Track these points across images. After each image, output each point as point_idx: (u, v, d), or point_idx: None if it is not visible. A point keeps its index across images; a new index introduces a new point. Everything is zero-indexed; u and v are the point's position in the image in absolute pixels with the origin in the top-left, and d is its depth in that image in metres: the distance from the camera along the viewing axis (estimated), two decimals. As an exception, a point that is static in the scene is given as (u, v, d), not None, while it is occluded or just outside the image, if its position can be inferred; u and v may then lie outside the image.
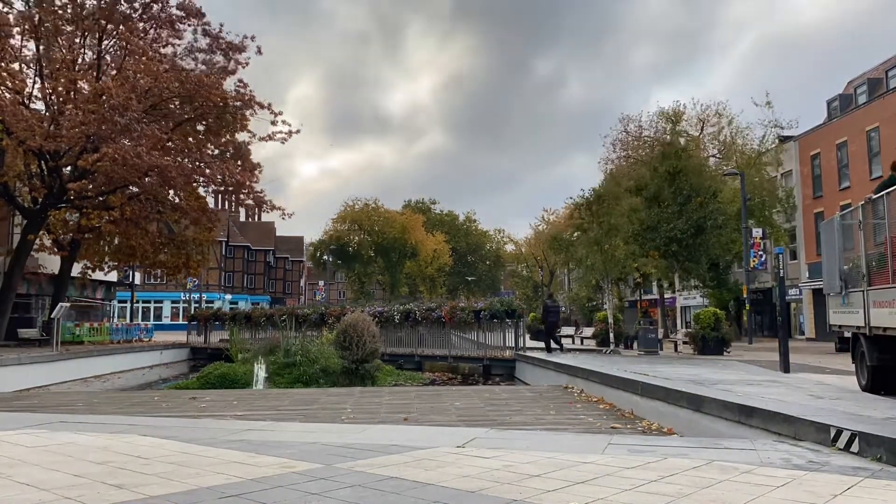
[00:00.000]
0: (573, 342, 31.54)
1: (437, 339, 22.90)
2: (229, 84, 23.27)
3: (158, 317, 64.78)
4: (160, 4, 22.86)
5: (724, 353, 21.11)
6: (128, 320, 41.47)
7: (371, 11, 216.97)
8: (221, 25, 23.12)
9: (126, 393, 15.48)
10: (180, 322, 52.41)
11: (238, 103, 23.20)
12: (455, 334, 22.69)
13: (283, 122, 23.76)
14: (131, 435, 6.30)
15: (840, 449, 5.16)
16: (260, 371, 16.72)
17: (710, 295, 37.12)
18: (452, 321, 21.50)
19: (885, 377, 8.94)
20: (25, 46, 22.64)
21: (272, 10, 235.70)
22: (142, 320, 50.75)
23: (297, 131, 24.41)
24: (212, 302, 58.44)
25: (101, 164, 20.06)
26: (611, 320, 24.37)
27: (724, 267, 35.75)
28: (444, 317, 21.69)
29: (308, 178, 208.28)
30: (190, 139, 24.48)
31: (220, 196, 42.18)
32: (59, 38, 22.30)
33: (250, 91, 23.44)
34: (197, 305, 52.33)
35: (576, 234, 30.93)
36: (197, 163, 23.80)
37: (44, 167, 22.40)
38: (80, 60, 22.81)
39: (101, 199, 23.13)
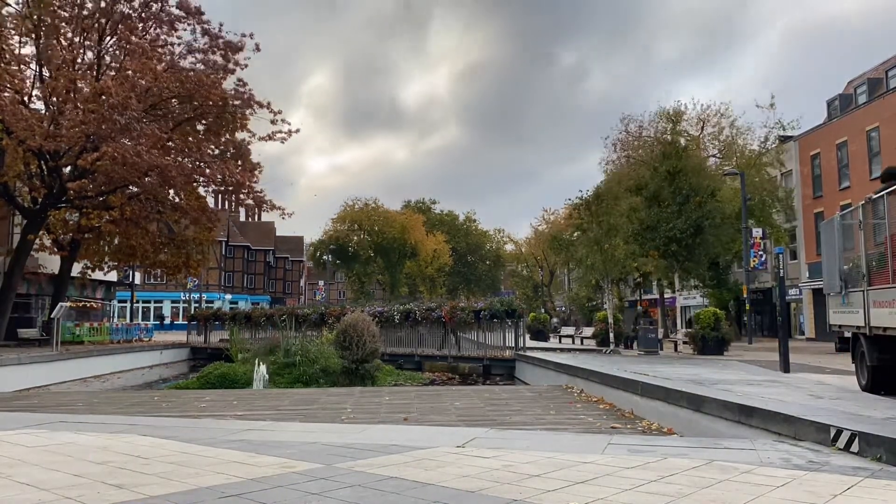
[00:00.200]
0: (573, 342, 31.58)
1: (437, 339, 22.90)
2: (229, 83, 23.32)
3: (158, 317, 64.82)
4: (159, 3, 22.86)
5: (724, 353, 21.11)
6: (128, 320, 41.49)
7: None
8: (221, 25, 23.13)
9: (126, 393, 15.48)
10: (180, 322, 52.41)
11: (238, 102, 23.20)
12: (455, 334, 22.69)
13: (283, 120, 23.80)
14: (131, 435, 6.30)
15: (840, 449, 5.16)
16: (260, 371, 16.69)
17: (710, 295, 37.12)
18: (452, 321, 21.49)
19: (885, 377, 8.94)
20: (25, 46, 22.66)
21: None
22: (142, 320, 50.75)
23: (297, 130, 24.45)
24: (212, 302, 58.44)
25: (101, 163, 20.06)
26: (611, 320, 24.37)
27: (724, 267, 35.75)
28: (444, 317, 21.69)
29: (316, 174, 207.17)
30: (190, 139, 24.47)
31: (220, 196, 42.10)
32: (58, 38, 22.28)
33: (250, 90, 23.47)
34: (197, 305, 52.37)
35: (576, 234, 30.94)
36: (197, 162, 23.79)
37: (44, 167, 22.40)
38: (79, 60, 22.80)
39: (101, 198, 23.13)
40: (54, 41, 22.16)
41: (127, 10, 22.65)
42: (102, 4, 22.43)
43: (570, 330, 38.48)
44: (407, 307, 23.26)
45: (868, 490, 3.89)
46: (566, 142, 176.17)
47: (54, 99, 22.01)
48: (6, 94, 20.81)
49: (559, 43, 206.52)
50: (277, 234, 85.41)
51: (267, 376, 16.56)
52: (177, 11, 22.83)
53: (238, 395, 12.37)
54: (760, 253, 30.65)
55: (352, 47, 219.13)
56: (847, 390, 9.40)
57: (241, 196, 26.13)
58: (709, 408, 7.18)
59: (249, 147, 26.24)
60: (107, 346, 24.94)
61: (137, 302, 51.95)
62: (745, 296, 30.83)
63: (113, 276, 34.21)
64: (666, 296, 44.13)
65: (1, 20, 20.84)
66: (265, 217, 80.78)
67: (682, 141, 31.32)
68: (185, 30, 23.22)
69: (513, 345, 20.14)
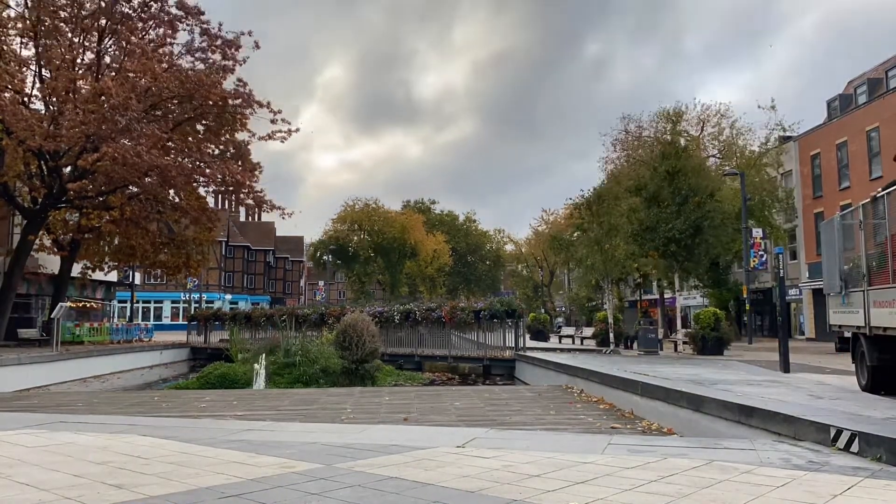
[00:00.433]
0: (573, 342, 31.59)
1: (437, 339, 22.89)
2: (229, 83, 23.31)
3: (158, 317, 64.80)
4: (159, 3, 22.86)
5: (724, 353, 21.11)
6: (128, 320, 41.48)
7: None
8: (220, 24, 23.13)
9: (126, 393, 15.48)
10: (180, 322, 52.41)
11: (238, 101, 23.19)
12: (455, 334, 22.69)
13: (283, 120, 23.78)
14: (131, 435, 6.30)
15: (840, 449, 5.16)
16: (260, 371, 16.70)
17: (710, 295, 37.10)
18: (452, 321, 21.49)
19: (885, 377, 8.95)
20: (25, 46, 22.66)
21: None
22: (142, 320, 50.75)
23: (297, 130, 24.43)
24: (212, 302, 58.43)
25: (101, 163, 20.06)
26: (611, 320, 24.37)
27: (724, 267, 35.73)
28: (444, 317, 21.69)
29: (327, 170, 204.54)
30: (190, 139, 24.47)
31: (220, 196, 42.20)
32: (58, 38, 22.28)
33: (249, 90, 23.45)
34: (197, 305, 52.36)
35: (576, 234, 30.94)
36: (197, 162, 23.79)
37: (44, 167, 22.40)
38: (79, 60, 22.81)
39: (101, 198, 23.14)
40: (54, 42, 22.18)
41: (127, 10, 22.65)
42: (102, 4, 22.43)
43: (570, 330, 38.51)
44: (407, 307, 23.26)
45: (868, 490, 3.89)
46: (580, 137, 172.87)
47: (54, 99, 22.02)
48: (6, 94, 20.81)
49: (586, 30, 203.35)
50: (277, 234, 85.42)
51: (267, 376, 16.57)
52: (176, 11, 22.84)
53: (238, 395, 12.37)
54: (760, 253, 30.64)
55: (370, 37, 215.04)
56: (847, 390, 9.40)
57: (241, 196, 26.12)
58: (709, 408, 7.18)
59: (249, 147, 26.29)
60: (107, 346, 24.94)
61: (137, 302, 51.89)
62: (745, 296, 30.82)
63: (113, 277, 34.21)
64: (666, 296, 44.12)
65: (1, 21, 20.84)
66: (265, 217, 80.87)
67: (682, 141, 31.30)
68: (185, 30, 23.25)
69: (513, 345, 20.14)
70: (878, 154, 33.17)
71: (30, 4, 21.91)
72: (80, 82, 22.22)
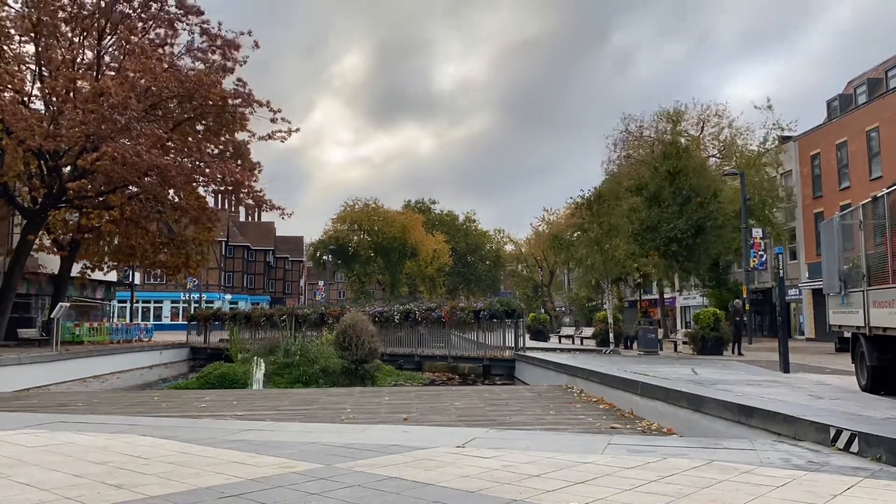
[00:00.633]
0: (573, 342, 31.60)
1: (436, 339, 22.90)
2: (228, 83, 23.30)
3: (158, 317, 64.77)
4: (159, 3, 22.85)
5: (724, 353, 21.12)
6: (127, 320, 41.47)
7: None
8: (220, 24, 23.14)
9: (126, 393, 15.48)
10: (180, 322, 52.39)
11: (238, 100, 23.19)
12: (455, 334, 22.69)
13: (283, 119, 23.77)
14: (131, 435, 6.30)
15: (840, 449, 5.16)
16: (259, 371, 16.71)
17: (710, 295, 37.09)
18: (452, 321, 21.50)
19: (885, 377, 8.95)
20: (25, 46, 22.66)
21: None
22: (142, 320, 50.74)
23: (297, 130, 24.42)
24: (211, 302, 58.42)
25: (101, 163, 20.05)
26: (611, 320, 24.38)
27: (724, 267, 35.73)
28: (443, 317, 21.69)
29: (337, 165, 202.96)
30: (189, 138, 24.46)
31: (219, 196, 42.12)
32: (58, 38, 22.28)
33: (249, 89, 23.44)
34: (197, 305, 52.35)
35: (576, 234, 30.94)
36: (197, 162, 23.79)
37: (43, 167, 22.39)
38: (79, 60, 22.80)
39: (100, 198, 23.13)
40: (54, 41, 22.17)
41: (126, 9, 22.63)
42: (102, 4, 22.42)
43: (570, 330, 38.52)
44: (407, 307, 23.26)
45: (868, 490, 3.89)
46: (595, 133, 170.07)
47: (54, 99, 22.02)
48: (6, 94, 20.82)
49: (613, 20, 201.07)
50: (277, 234, 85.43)
51: (266, 376, 16.58)
52: (176, 11, 22.85)
53: (238, 395, 12.37)
54: (760, 253, 30.65)
55: (389, 24, 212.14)
56: (847, 390, 9.40)
57: (241, 196, 26.09)
58: (708, 408, 7.18)
59: (249, 147, 26.29)
60: (106, 346, 24.92)
61: (137, 302, 51.91)
62: (745, 296, 30.83)
63: (113, 276, 34.18)
64: (666, 296, 44.11)
65: (1, 21, 20.83)
66: (265, 217, 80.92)
67: (683, 141, 31.31)
68: (185, 29, 23.26)
69: (512, 345, 20.15)
70: (877, 154, 33.18)
71: (30, 4, 21.90)
72: (80, 82, 22.21)
